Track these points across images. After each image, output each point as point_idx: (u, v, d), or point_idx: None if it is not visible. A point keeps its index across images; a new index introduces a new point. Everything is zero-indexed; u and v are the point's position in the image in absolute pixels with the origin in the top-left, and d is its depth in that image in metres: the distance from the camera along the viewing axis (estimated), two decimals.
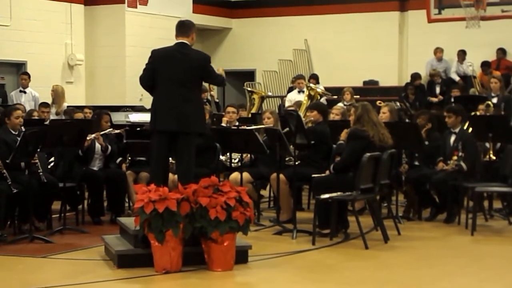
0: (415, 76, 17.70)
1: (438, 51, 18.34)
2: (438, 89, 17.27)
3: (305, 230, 8.67)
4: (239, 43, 20.97)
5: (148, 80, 7.62)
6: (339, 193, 8.24)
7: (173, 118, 7.42)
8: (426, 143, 9.95)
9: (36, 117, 11.22)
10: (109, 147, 9.81)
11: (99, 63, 17.61)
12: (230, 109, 11.06)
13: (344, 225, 8.67)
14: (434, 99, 16.81)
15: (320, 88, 14.94)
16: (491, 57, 17.90)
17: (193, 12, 18.87)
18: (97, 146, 9.75)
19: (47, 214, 9.05)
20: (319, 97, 14.37)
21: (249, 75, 20.42)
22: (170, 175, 7.81)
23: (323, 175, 8.94)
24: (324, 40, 19.83)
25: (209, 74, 7.69)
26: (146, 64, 7.64)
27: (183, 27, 7.68)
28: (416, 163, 10.10)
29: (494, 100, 12.84)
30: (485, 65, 17.35)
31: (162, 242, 6.79)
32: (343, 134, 9.00)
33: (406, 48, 19.55)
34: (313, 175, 8.86)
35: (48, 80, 15.37)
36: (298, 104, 13.56)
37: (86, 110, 11.92)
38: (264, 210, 10.52)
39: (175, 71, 7.47)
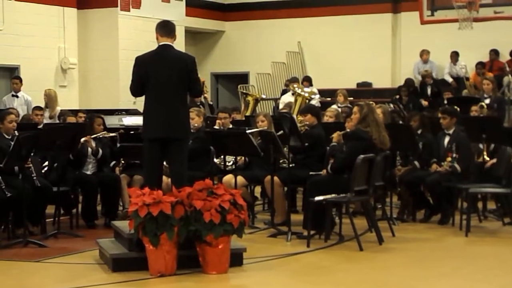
0: (410, 83, 17.64)
1: (424, 53, 18.41)
2: (429, 90, 17.27)
3: (299, 232, 8.66)
4: (232, 46, 20.96)
5: (139, 90, 7.48)
6: (333, 195, 8.24)
7: (165, 125, 7.29)
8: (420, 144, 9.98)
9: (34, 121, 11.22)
10: (100, 151, 9.75)
11: (92, 66, 17.56)
12: (221, 115, 10.88)
13: (331, 225, 8.63)
14: (425, 103, 16.76)
15: (307, 92, 14.80)
16: (484, 58, 17.95)
17: (186, 15, 18.85)
18: (89, 150, 9.72)
19: (41, 218, 9.03)
20: (307, 101, 14.31)
21: (243, 78, 20.42)
22: (164, 178, 7.72)
23: (319, 173, 8.92)
24: (318, 42, 19.85)
25: (193, 77, 7.44)
26: (133, 74, 7.43)
27: (168, 28, 7.47)
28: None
29: (487, 101, 12.87)
30: (479, 65, 17.37)
31: (156, 246, 6.79)
32: (335, 136, 8.98)
33: (399, 50, 19.58)
34: (311, 173, 8.85)
35: (41, 84, 15.30)
36: (289, 106, 13.58)
37: (81, 114, 11.89)
38: (259, 212, 10.52)
39: (163, 76, 7.31)
